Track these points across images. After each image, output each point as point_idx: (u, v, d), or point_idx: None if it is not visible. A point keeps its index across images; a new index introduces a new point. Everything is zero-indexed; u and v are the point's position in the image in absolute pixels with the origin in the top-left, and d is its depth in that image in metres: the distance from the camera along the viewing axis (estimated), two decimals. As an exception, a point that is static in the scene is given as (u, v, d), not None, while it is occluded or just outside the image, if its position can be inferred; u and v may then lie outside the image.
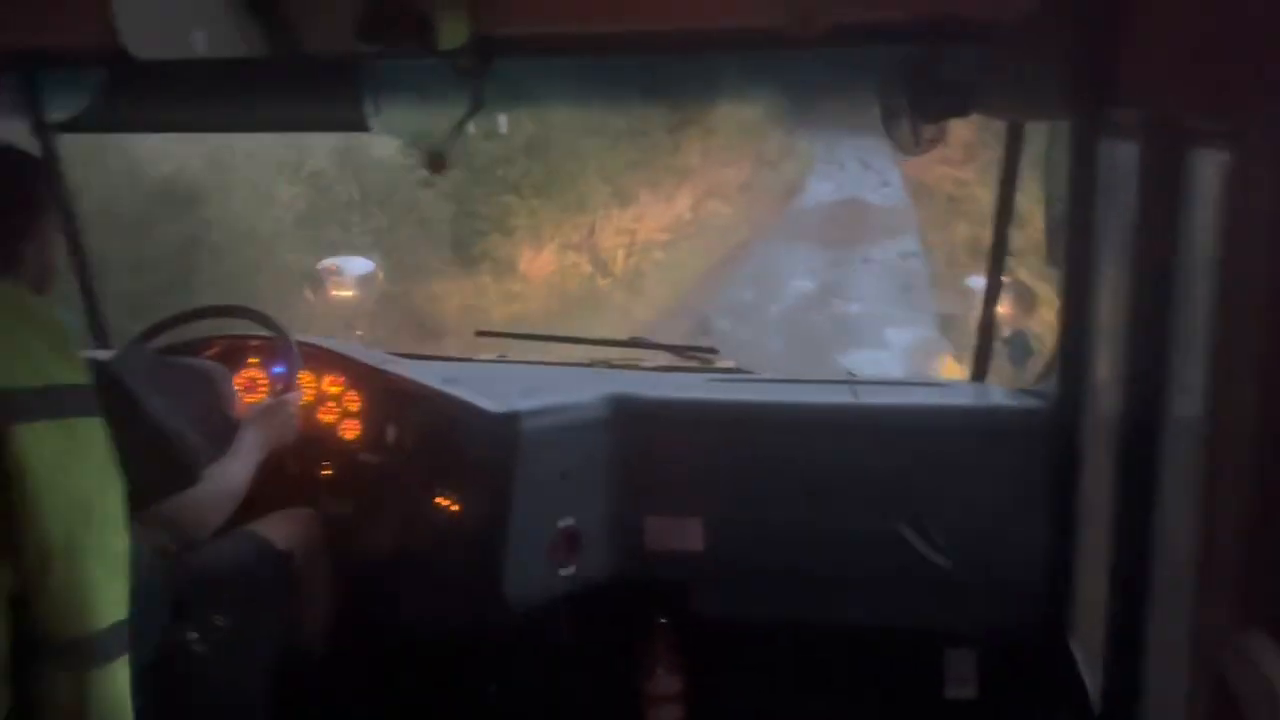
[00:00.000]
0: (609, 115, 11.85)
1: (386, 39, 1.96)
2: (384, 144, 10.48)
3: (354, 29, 1.96)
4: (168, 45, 2.07)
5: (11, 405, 1.42)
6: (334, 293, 3.34)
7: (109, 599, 1.48)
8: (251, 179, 10.01)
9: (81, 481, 1.47)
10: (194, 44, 2.10)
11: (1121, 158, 1.58)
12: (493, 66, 2.05)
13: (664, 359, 2.71)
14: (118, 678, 1.50)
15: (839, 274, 12.94)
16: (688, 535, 2.22)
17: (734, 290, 12.59)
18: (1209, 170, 1.21)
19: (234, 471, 2.01)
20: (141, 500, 1.67)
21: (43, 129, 2.39)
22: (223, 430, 2.09)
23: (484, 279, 11.26)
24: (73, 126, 2.39)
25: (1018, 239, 2.46)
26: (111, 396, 1.67)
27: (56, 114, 2.37)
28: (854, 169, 17.25)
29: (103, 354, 2.31)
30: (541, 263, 12.02)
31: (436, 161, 2.15)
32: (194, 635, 1.83)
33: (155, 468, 1.79)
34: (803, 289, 12.64)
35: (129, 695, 1.51)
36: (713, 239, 14.83)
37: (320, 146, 10.45)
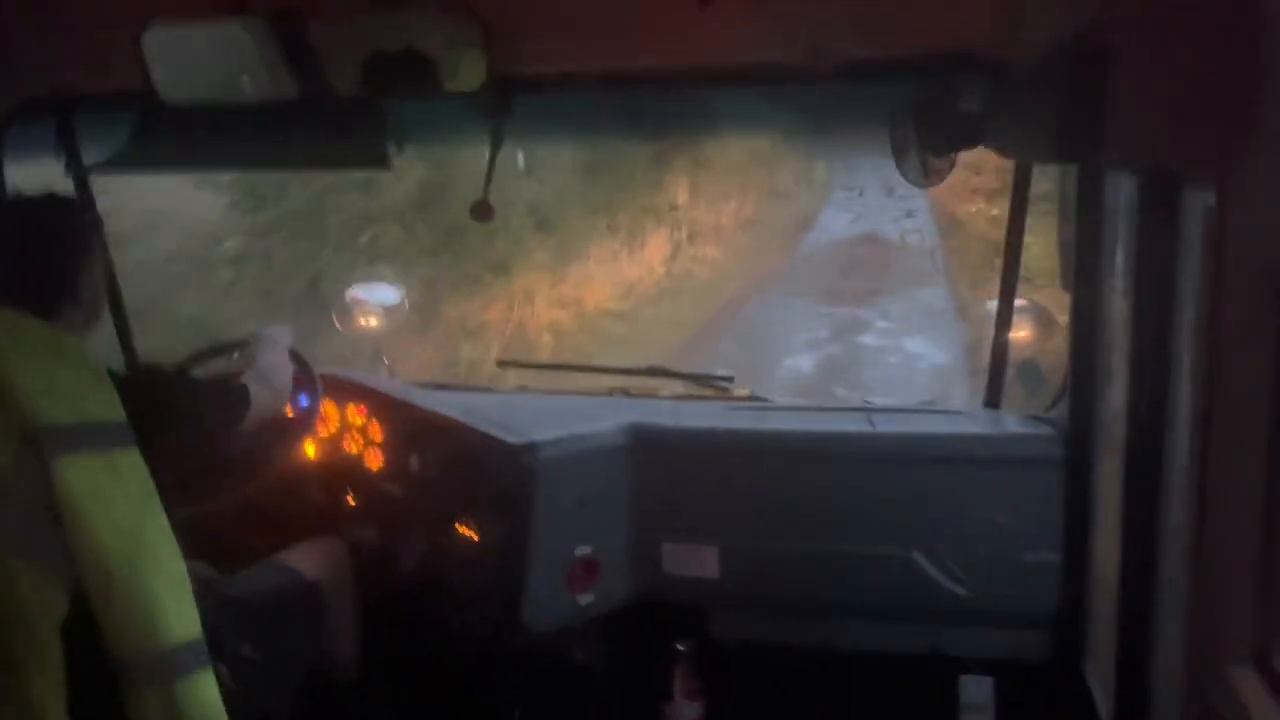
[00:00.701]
0: (574, 150, 9.77)
1: (395, 86, 2.04)
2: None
3: (362, 76, 2.03)
4: (197, 89, 2.15)
5: (52, 440, 1.49)
6: (361, 321, 3.40)
7: (177, 615, 1.56)
8: None
9: (125, 509, 1.54)
10: (223, 88, 2.18)
11: (1122, 194, 1.62)
12: (511, 105, 2.10)
13: (681, 388, 2.75)
14: (205, 687, 1.57)
15: (848, 345, 9.98)
16: (705, 562, 2.25)
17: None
18: (1198, 208, 1.24)
19: (267, 366, 2.14)
20: (224, 434, 1.93)
21: (77, 170, 2.47)
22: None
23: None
24: (106, 168, 2.47)
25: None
26: (154, 383, 1.88)
27: (90, 156, 2.46)
28: (875, 196, 14.92)
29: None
30: (415, 364, 8.14)
31: (483, 209, 2.11)
32: (223, 669, 1.88)
33: (217, 408, 1.95)
34: (798, 372, 9.21)
35: (220, 708, 1.58)
36: (694, 298, 11.78)
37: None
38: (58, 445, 1.50)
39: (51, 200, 1.83)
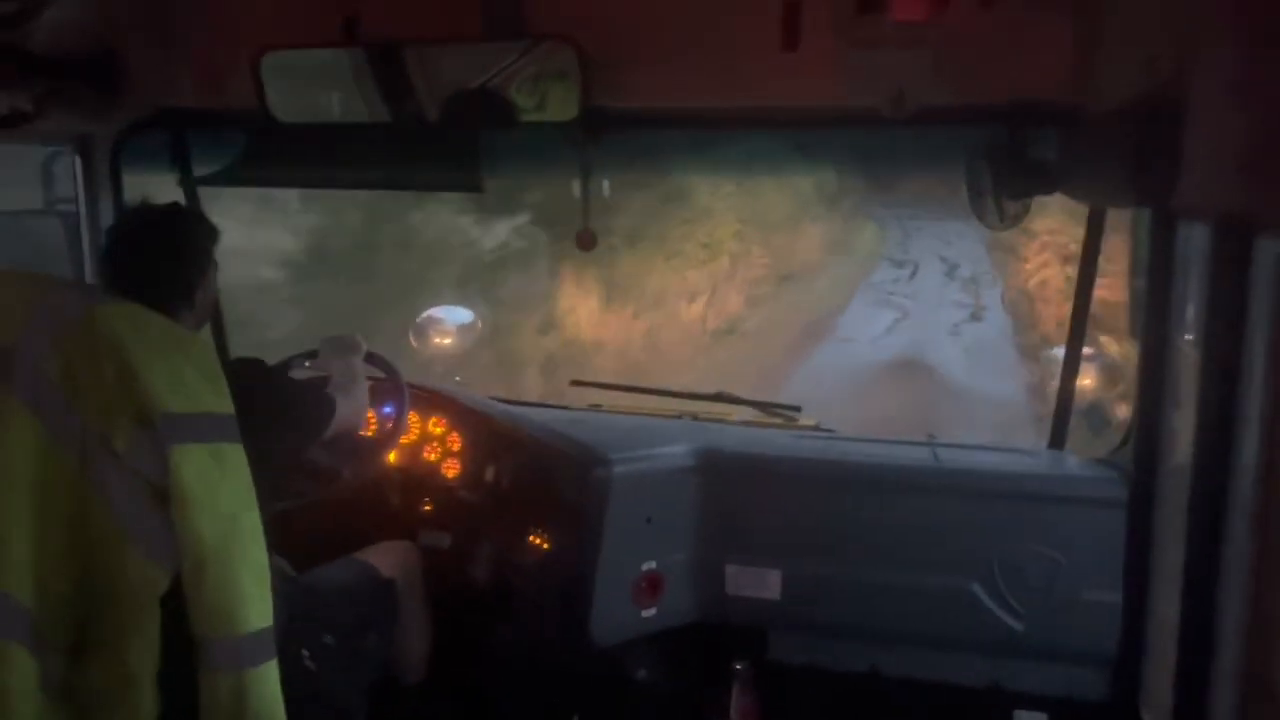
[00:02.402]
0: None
1: (487, 116, 2.17)
2: None
3: (456, 105, 2.16)
4: (306, 111, 2.30)
5: (168, 427, 1.60)
6: (436, 340, 3.53)
7: (256, 605, 1.64)
8: None
9: (226, 499, 1.64)
10: (329, 111, 2.32)
11: (1194, 241, 1.66)
12: (601, 137, 2.20)
13: (749, 414, 2.82)
14: (270, 679, 1.66)
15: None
16: (766, 584, 2.31)
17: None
18: (1269, 257, 1.29)
19: (344, 380, 2.26)
20: (313, 436, 2.05)
21: (188, 182, 2.62)
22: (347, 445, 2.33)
23: None
24: (215, 180, 2.61)
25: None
26: (259, 372, 1.99)
27: (201, 169, 2.61)
28: (931, 276, 9.83)
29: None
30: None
31: (586, 238, 2.19)
32: (305, 652, 1.99)
33: (308, 412, 2.07)
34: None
35: (280, 696, 1.67)
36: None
37: None
38: (173, 433, 1.61)
39: (179, 211, 1.97)
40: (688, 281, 9.27)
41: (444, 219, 8.45)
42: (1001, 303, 9.04)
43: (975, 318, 8.97)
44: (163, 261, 1.86)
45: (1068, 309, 2.46)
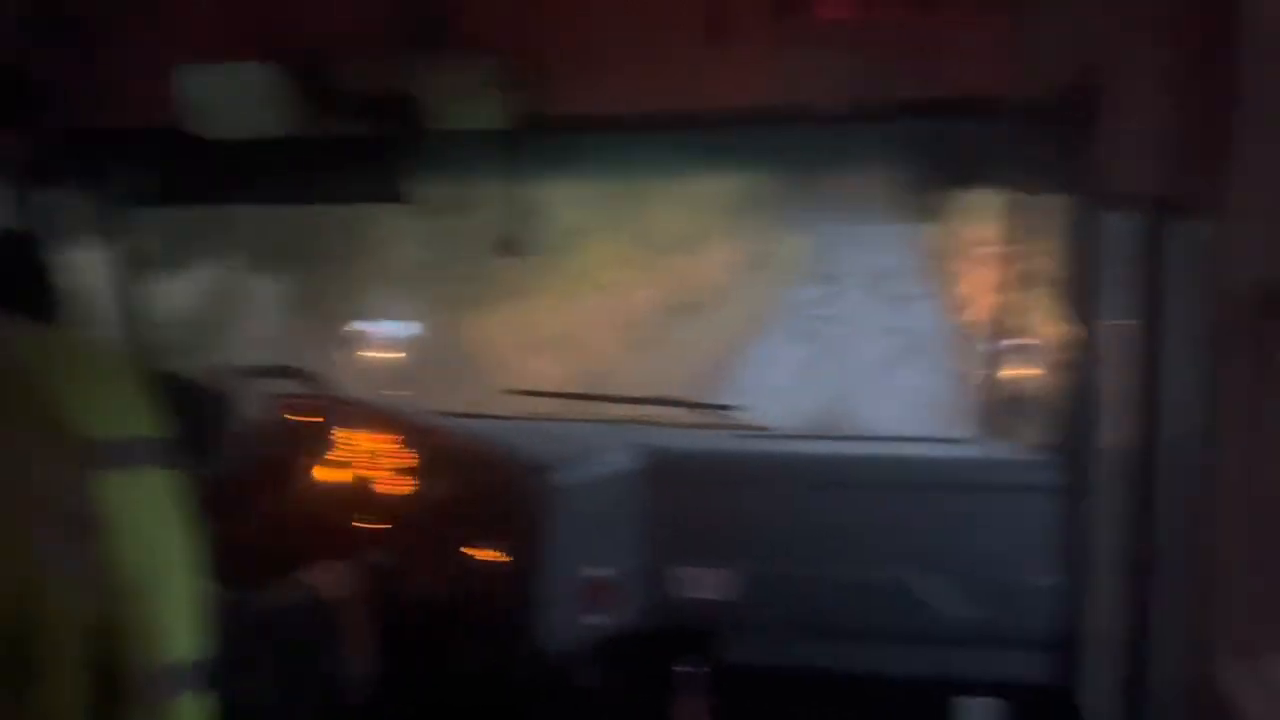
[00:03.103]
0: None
1: (410, 124, 2.14)
2: None
3: (379, 114, 2.14)
4: (224, 126, 2.25)
5: (90, 455, 1.54)
6: (361, 354, 3.48)
7: (182, 636, 1.59)
8: None
9: (153, 526, 1.58)
10: (248, 125, 2.27)
11: (1116, 227, 1.70)
12: (528, 144, 2.19)
13: (688, 416, 2.82)
14: (198, 711, 1.60)
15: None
16: (715, 585, 2.31)
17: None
18: (1190, 237, 1.33)
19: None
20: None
21: (109, 204, 2.54)
22: None
23: None
24: (133, 200, 2.54)
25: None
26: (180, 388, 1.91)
27: (122, 190, 2.53)
28: (858, 295, 7.89)
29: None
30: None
31: (508, 245, 2.21)
32: (246, 679, 1.93)
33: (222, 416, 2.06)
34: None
35: None
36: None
37: None
38: (96, 460, 1.55)
39: (24, 235, 1.90)
40: (521, 336, 6.54)
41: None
42: (942, 321, 7.55)
43: (911, 349, 7.20)
44: (30, 284, 1.78)
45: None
